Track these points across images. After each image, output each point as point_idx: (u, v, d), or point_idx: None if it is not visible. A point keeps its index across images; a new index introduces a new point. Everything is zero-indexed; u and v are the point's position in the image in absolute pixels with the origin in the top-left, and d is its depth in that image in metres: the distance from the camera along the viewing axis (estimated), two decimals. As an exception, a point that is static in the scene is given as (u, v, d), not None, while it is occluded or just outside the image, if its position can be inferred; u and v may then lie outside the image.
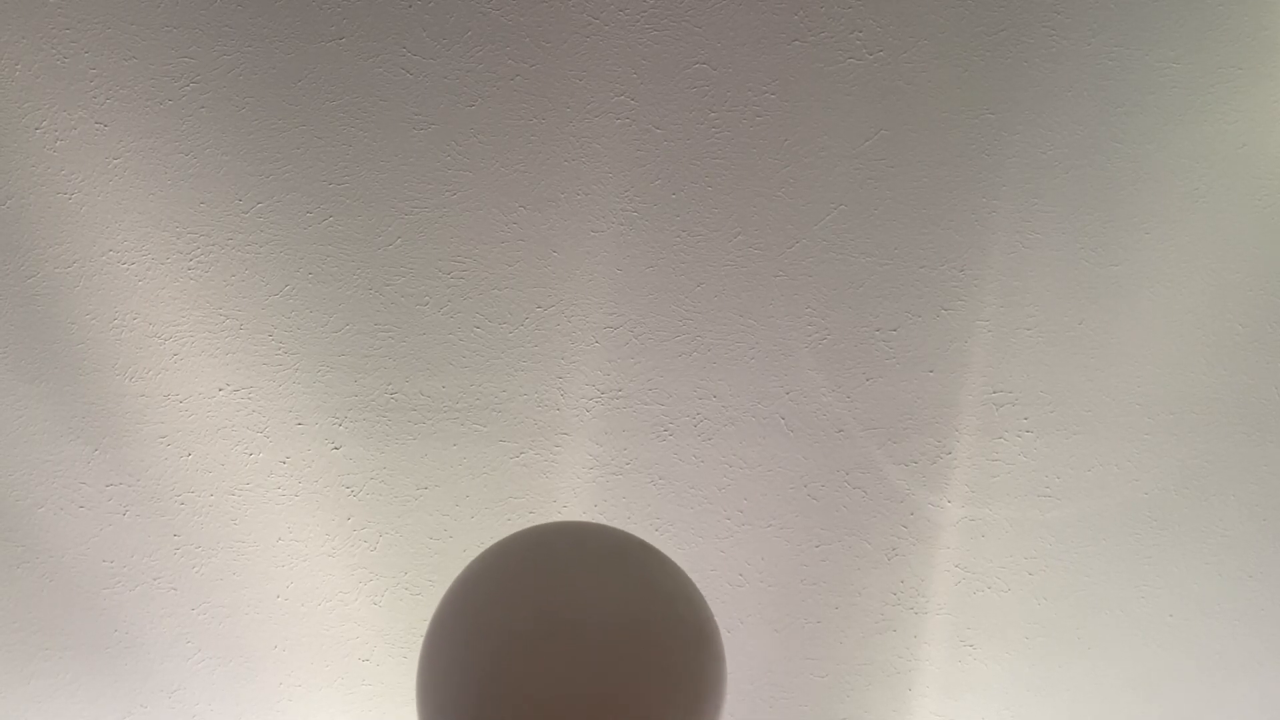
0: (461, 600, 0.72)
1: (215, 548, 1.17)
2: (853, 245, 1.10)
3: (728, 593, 1.22)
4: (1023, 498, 1.20)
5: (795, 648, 1.26)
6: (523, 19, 1.00)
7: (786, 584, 1.23)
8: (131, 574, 1.18)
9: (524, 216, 1.07)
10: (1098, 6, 1.03)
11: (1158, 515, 1.23)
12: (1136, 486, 1.21)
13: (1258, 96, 1.07)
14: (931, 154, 1.07)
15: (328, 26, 1.00)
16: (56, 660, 1.21)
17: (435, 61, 1.01)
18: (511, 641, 0.67)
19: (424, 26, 1.00)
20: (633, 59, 1.02)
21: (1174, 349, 1.16)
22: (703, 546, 1.20)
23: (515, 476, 1.16)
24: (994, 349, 1.14)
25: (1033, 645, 1.28)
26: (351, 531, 1.17)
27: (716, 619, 0.74)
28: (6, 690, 1.22)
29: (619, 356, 1.12)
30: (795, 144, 1.06)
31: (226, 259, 1.07)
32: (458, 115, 1.03)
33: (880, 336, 1.13)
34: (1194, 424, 1.19)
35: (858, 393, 1.15)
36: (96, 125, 1.02)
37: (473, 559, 0.75)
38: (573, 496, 1.17)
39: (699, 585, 0.74)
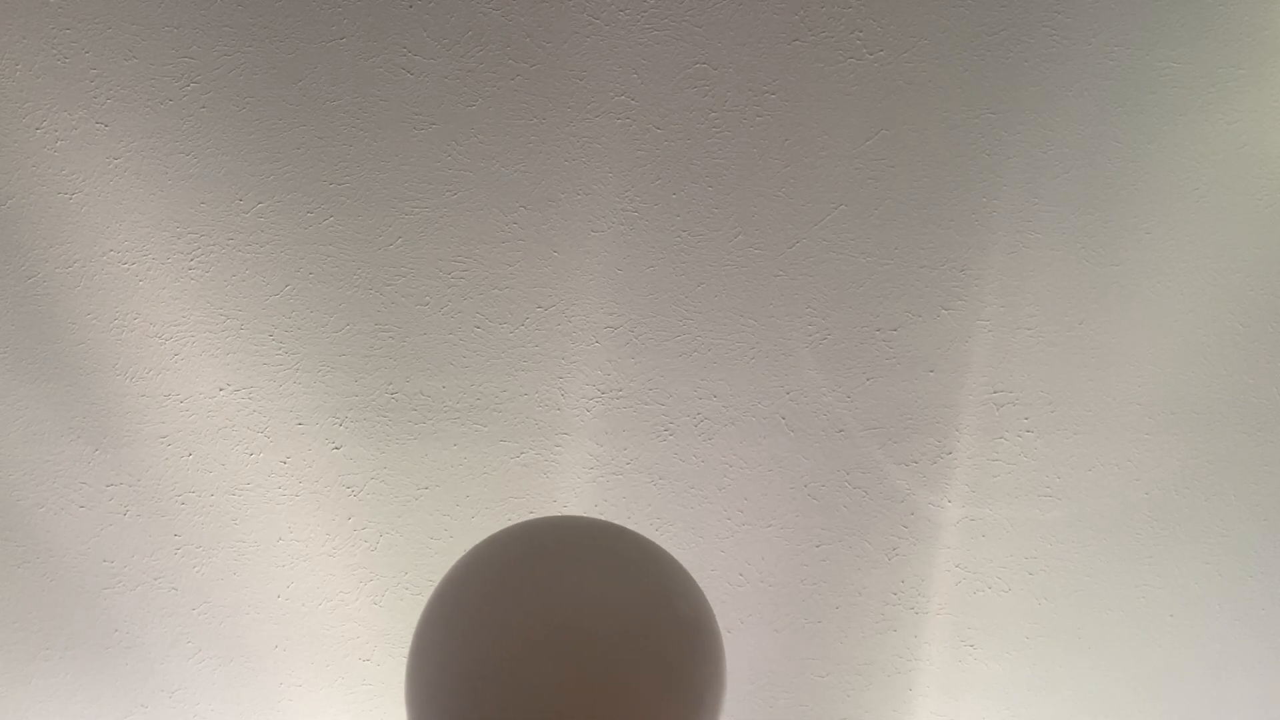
0: (450, 598, 0.70)
1: (216, 548, 1.17)
2: (853, 245, 1.10)
3: (728, 593, 1.22)
4: (1023, 497, 1.20)
5: (795, 647, 1.26)
6: (523, 19, 1.00)
7: (787, 584, 1.23)
8: (132, 574, 1.18)
9: (524, 216, 1.07)
10: (1098, 6, 1.03)
11: (1158, 515, 1.23)
12: (1137, 486, 1.21)
13: (1258, 96, 1.07)
14: (932, 154, 1.07)
15: (328, 26, 1.00)
16: (57, 660, 1.21)
17: (436, 61, 1.01)
18: (502, 641, 0.65)
19: (424, 26, 1.00)
20: (633, 59, 1.02)
21: (1174, 349, 1.16)
22: (703, 546, 1.20)
23: (516, 476, 1.16)
24: (994, 349, 1.14)
25: (1033, 645, 1.28)
26: (352, 531, 1.17)
27: (716, 618, 0.72)
28: (7, 690, 1.22)
29: (619, 356, 1.12)
30: (795, 144, 1.06)
31: (227, 259, 1.07)
32: (458, 115, 1.03)
33: (881, 336, 1.13)
34: (1194, 423, 1.19)
35: (858, 392, 1.15)
36: (97, 125, 1.02)
37: (461, 555, 0.74)
38: (573, 496, 1.17)
39: (699, 585, 0.73)
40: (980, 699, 1.30)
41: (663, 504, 1.18)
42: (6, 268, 1.06)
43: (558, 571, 0.68)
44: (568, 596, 0.66)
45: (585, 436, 1.15)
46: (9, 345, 1.08)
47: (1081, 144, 1.08)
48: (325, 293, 1.08)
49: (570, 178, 1.06)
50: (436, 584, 0.73)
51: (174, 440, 1.13)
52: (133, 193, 1.04)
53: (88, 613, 1.19)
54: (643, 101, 1.04)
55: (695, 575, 0.73)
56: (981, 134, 1.06)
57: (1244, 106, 1.07)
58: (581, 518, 0.77)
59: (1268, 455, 1.21)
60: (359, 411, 1.12)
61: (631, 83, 1.03)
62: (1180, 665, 1.30)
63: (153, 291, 1.07)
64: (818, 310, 1.12)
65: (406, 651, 0.72)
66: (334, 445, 1.14)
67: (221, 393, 1.11)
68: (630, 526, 1.14)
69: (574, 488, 1.17)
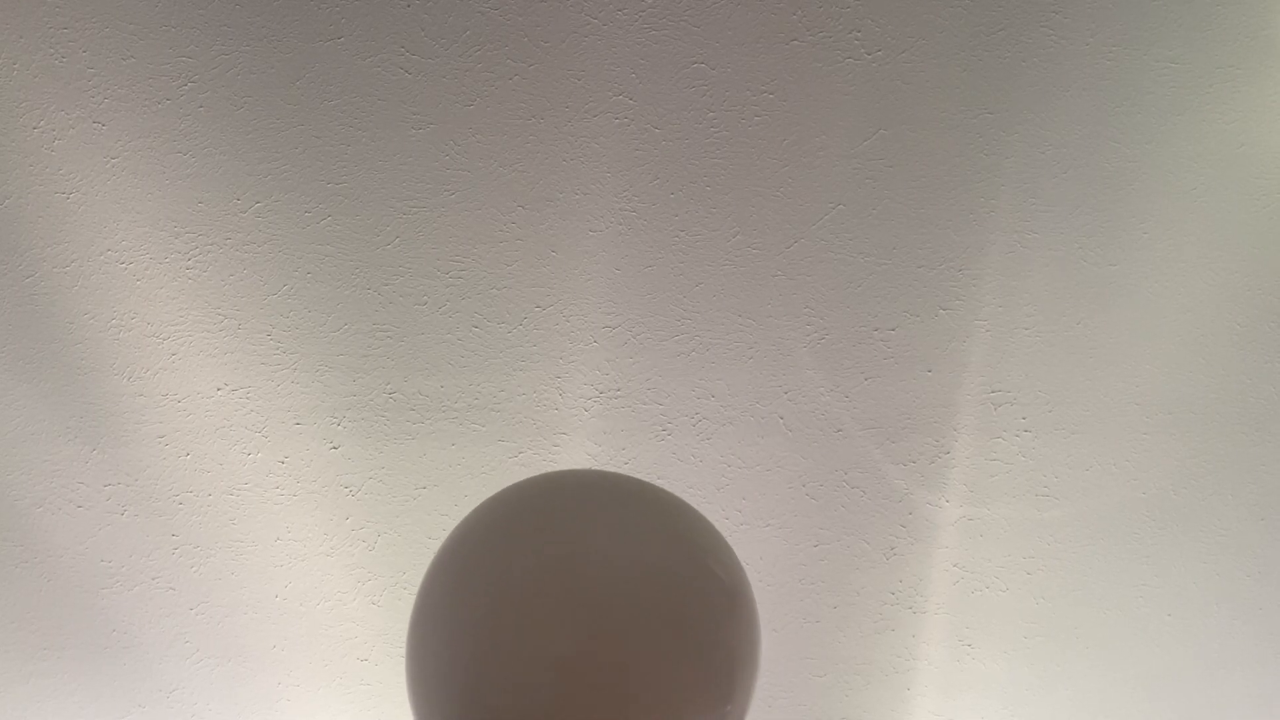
0: (458, 550, 0.61)
1: (213, 547, 1.17)
2: (851, 245, 1.10)
3: (726, 592, 1.21)
4: (1021, 497, 1.20)
5: (794, 647, 1.26)
6: (521, 19, 1.00)
7: (785, 583, 1.23)
8: (129, 574, 1.18)
9: (522, 216, 1.07)
10: (1096, 6, 1.03)
11: (1156, 515, 1.23)
12: (1135, 486, 1.21)
13: (1256, 96, 1.07)
14: (930, 153, 1.07)
15: (326, 26, 1.00)
16: (54, 660, 1.21)
17: (434, 61, 1.01)
18: (513, 593, 0.56)
19: (422, 26, 1.00)
20: (631, 59, 1.02)
21: (1172, 348, 1.16)
22: (701, 546, 1.19)
23: (514, 476, 1.16)
24: (992, 348, 1.14)
25: (1031, 644, 1.28)
26: (350, 531, 1.17)
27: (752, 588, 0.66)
28: (4, 690, 1.22)
29: (617, 356, 1.12)
30: (794, 143, 1.06)
31: (225, 259, 1.07)
32: (456, 115, 1.03)
33: (879, 336, 1.13)
34: (1192, 423, 1.19)
35: (856, 392, 1.15)
36: (94, 124, 1.02)
37: (449, 498, 0.67)
38: (571, 496, 1.17)
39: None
40: (978, 698, 1.30)
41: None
42: (3, 267, 1.06)
43: (580, 523, 0.59)
44: (590, 549, 0.58)
45: (583, 436, 1.15)
46: (6, 345, 1.08)
47: (1080, 144, 1.08)
48: (323, 292, 1.08)
49: (568, 177, 1.06)
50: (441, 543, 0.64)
51: (171, 440, 1.13)
52: (130, 192, 1.04)
53: (85, 612, 1.19)
54: (641, 101, 1.03)
55: (693, 575, 0.69)
56: (980, 133, 1.06)
57: (1242, 106, 1.07)
58: (606, 471, 0.68)
59: (1266, 455, 1.21)
60: (357, 411, 1.12)
61: (630, 82, 1.03)
62: (1179, 665, 1.30)
63: (150, 291, 1.07)
64: (816, 310, 1.12)
65: (405, 651, 0.64)
66: (332, 445, 1.14)
67: (219, 392, 1.11)
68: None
69: (572, 487, 1.16)
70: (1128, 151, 1.08)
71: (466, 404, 1.13)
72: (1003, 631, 1.27)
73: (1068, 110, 1.06)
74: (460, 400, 1.12)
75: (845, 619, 1.25)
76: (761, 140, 1.05)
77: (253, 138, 1.03)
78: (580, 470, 0.68)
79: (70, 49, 0.99)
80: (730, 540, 1.18)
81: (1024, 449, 1.18)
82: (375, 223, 1.06)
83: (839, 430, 1.16)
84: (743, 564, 0.66)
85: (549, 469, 1.15)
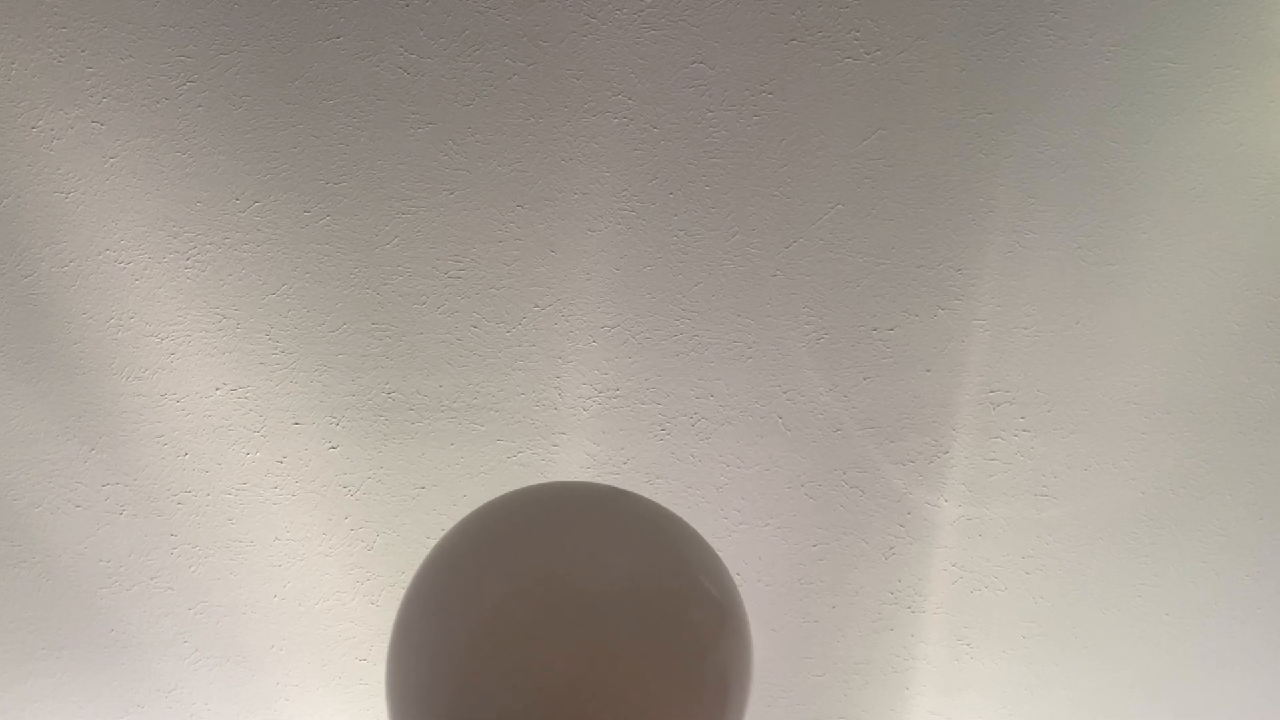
0: (441, 566, 0.60)
1: (212, 547, 1.17)
2: (850, 244, 1.10)
3: (725, 592, 1.21)
4: (1020, 497, 1.20)
5: (793, 647, 1.26)
6: (520, 18, 1.00)
7: (784, 583, 1.23)
8: (128, 573, 1.18)
9: (521, 216, 1.07)
10: (1095, 6, 1.03)
11: (1154, 514, 1.23)
12: (1133, 486, 1.21)
13: (1254, 96, 1.07)
14: (929, 153, 1.07)
15: (325, 25, 1.00)
16: (53, 660, 1.21)
17: (432, 60, 1.01)
18: (496, 613, 0.54)
19: (421, 25, 1.00)
20: (630, 58, 1.02)
21: (1171, 348, 1.16)
22: (700, 546, 1.19)
23: (513, 476, 1.16)
24: (991, 348, 1.14)
25: (1030, 644, 1.28)
26: (349, 531, 1.17)
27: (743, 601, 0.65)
28: (3, 690, 1.22)
29: (616, 356, 1.12)
30: (792, 143, 1.06)
31: (223, 258, 1.07)
32: (455, 114, 1.03)
33: (877, 336, 1.13)
34: (1191, 423, 1.19)
35: (855, 392, 1.15)
36: (93, 124, 1.02)
37: (448, 498, 0.65)
38: (570, 496, 1.17)
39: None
40: (977, 698, 1.30)
41: (659, 503, 1.18)
42: (3, 267, 1.06)
43: (567, 539, 0.58)
44: (577, 566, 0.56)
45: (582, 436, 1.15)
46: (5, 345, 1.08)
47: (1078, 143, 1.08)
48: (322, 292, 1.08)
49: (567, 177, 1.06)
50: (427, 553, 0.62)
51: (170, 440, 1.13)
52: (129, 192, 1.04)
53: (84, 612, 1.19)
54: (640, 101, 1.03)
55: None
56: (978, 133, 1.06)
57: (1240, 106, 1.07)
58: (594, 483, 0.67)
59: (1264, 454, 1.21)
60: (356, 411, 1.12)
61: (629, 82, 1.03)
62: (1177, 664, 1.30)
63: (149, 291, 1.07)
64: (814, 310, 1.12)
65: (385, 672, 0.62)
66: (331, 445, 1.14)
67: (218, 392, 1.11)
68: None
69: (571, 487, 1.16)
70: (1126, 151, 1.08)
71: (465, 404, 1.13)
72: (1001, 631, 1.27)
73: (1066, 110, 1.06)
74: (459, 400, 1.12)
75: (844, 619, 1.25)
76: (760, 140, 1.05)
77: (251, 137, 1.03)
78: (565, 483, 0.65)
79: (69, 48, 0.99)
80: (729, 540, 1.18)
81: (1023, 449, 1.18)
82: (374, 222, 1.06)
83: (838, 430, 1.16)
84: (742, 564, 0.65)
85: (548, 469, 1.16)
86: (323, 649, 1.22)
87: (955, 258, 1.11)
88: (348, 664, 1.23)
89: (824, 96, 1.04)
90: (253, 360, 1.10)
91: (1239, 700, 1.33)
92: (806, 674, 1.27)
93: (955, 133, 1.06)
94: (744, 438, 1.16)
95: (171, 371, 1.10)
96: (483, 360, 1.11)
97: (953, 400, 1.15)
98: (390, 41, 1.00)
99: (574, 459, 1.15)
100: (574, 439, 1.15)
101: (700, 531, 1.10)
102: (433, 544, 1.17)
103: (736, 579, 1.21)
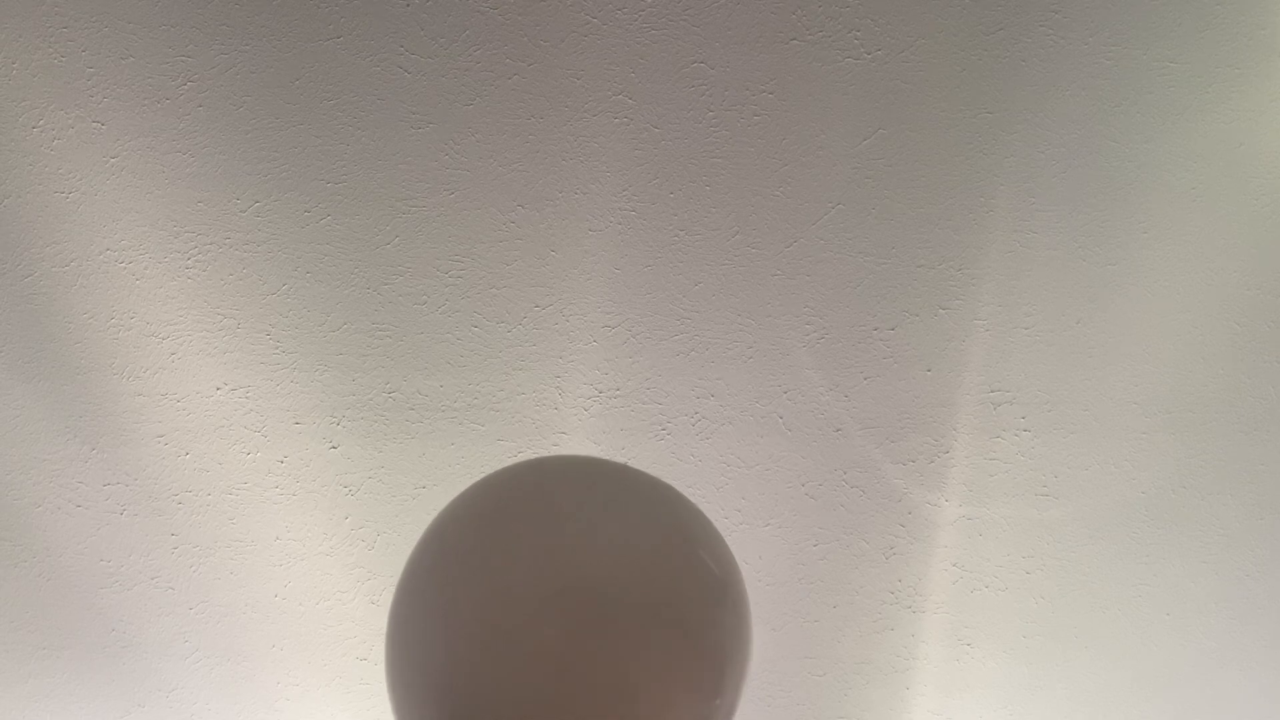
0: (435, 551, 0.59)
1: (213, 547, 1.17)
2: (850, 244, 1.10)
3: (725, 592, 1.21)
4: (1020, 497, 1.20)
5: (793, 646, 1.26)
6: (520, 18, 1.00)
7: (784, 583, 1.23)
8: (129, 573, 1.18)
9: (522, 215, 1.07)
10: (1095, 6, 1.03)
11: (1155, 514, 1.23)
12: (1134, 485, 1.21)
13: (1255, 95, 1.07)
14: (929, 153, 1.07)
15: (325, 25, 1.00)
16: (53, 660, 1.21)
17: (433, 60, 1.01)
18: (494, 586, 0.54)
19: (421, 25, 1.00)
20: (630, 58, 1.02)
21: (1171, 348, 1.16)
22: (700, 545, 1.19)
23: (513, 476, 1.16)
24: (991, 348, 1.14)
25: (1030, 644, 1.28)
26: (349, 531, 1.17)
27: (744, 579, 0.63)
28: (3, 690, 1.22)
29: (617, 355, 1.12)
30: (793, 143, 1.06)
31: (224, 258, 1.07)
32: (455, 114, 1.03)
33: (878, 335, 1.13)
34: (1191, 423, 1.19)
35: (855, 392, 1.15)
36: (94, 124, 1.02)
37: (450, 500, 0.61)
38: (571, 495, 1.16)
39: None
40: (977, 698, 1.30)
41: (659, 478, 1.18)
42: (3, 266, 1.06)
43: (563, 517, 0.57)
44: (574, 546, 0.55)
45: (583, 436, 1.15)
46: (6, 344, 1.08)
47: (1078, 143, 1.08)
48: (322, 292, 1.08)
49: (568, 177, 1.06)
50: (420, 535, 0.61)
51: (171, 439, 1.13)
52: (129, 191, 1.04)
53: (84, 612, 1.19)
54: (640, 101, 1.03)
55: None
56: (979, 133, 1.06)
57: (1241, 106, 1.07)
58: (590, 457, 0.66)
59: (1264, 454, 1.21)
60: (356, 411, 1.12)
61: (629, 82, 1.03)
62: (1177, 664, 1.30)
63: (150, 290, 1.07)
64: (815, 309, 1.12)
65: (384, 649, 0.62)
66: (331, 444, 1.14)
67: (218, 392, 1.11)
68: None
69: (571, 487, 1.16)
70: (1126, 151, 1.08)
71: (466, 403, 1.13)
72: (1001, 631, 1.27)
73: (1067, 110, 1.06)
74: (460, 400, 1.12)
75: (845, 618, 1.25)
76: (761, 140, 1.05)
77: (252, 137, 1.03)
78: (564, 456, 0.65)
79: (70, 48, 0.99)
80: (729, 540, 1.18)
81: (1023, 448, 1.18)
82: (374, 222, 1.06)
83: (838, 430, 1.16)
84: (742, 563, 0.65)
85: (548, 468, 1.15)
86: (323, 649, 1.22)
87: (956, 257, 1.11)
88: (348, 664, 1.23)
89: (824, 96, 1.04)
90: (253, 360, 1.10)
91: (1239, 700, 1.33)
92: (807, 673, 1.27)
93: (956, 132, 1.06)
94: (744, 438, 1.16)
95: (172, 371, 1.10)
96: (483, 360, 1.11)
97: (953, 400, 1.16)
98: (390, 41, 1.00)
99: (574, 459, 1.15)
100: (575, 439, 1.15)
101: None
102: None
103: (737, 579, 1.21)
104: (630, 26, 1.01)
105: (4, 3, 0.98)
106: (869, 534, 1.21)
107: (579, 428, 1.14)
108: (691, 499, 1.18)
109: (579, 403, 1.13)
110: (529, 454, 1.15)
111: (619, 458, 1.16)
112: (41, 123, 1.01)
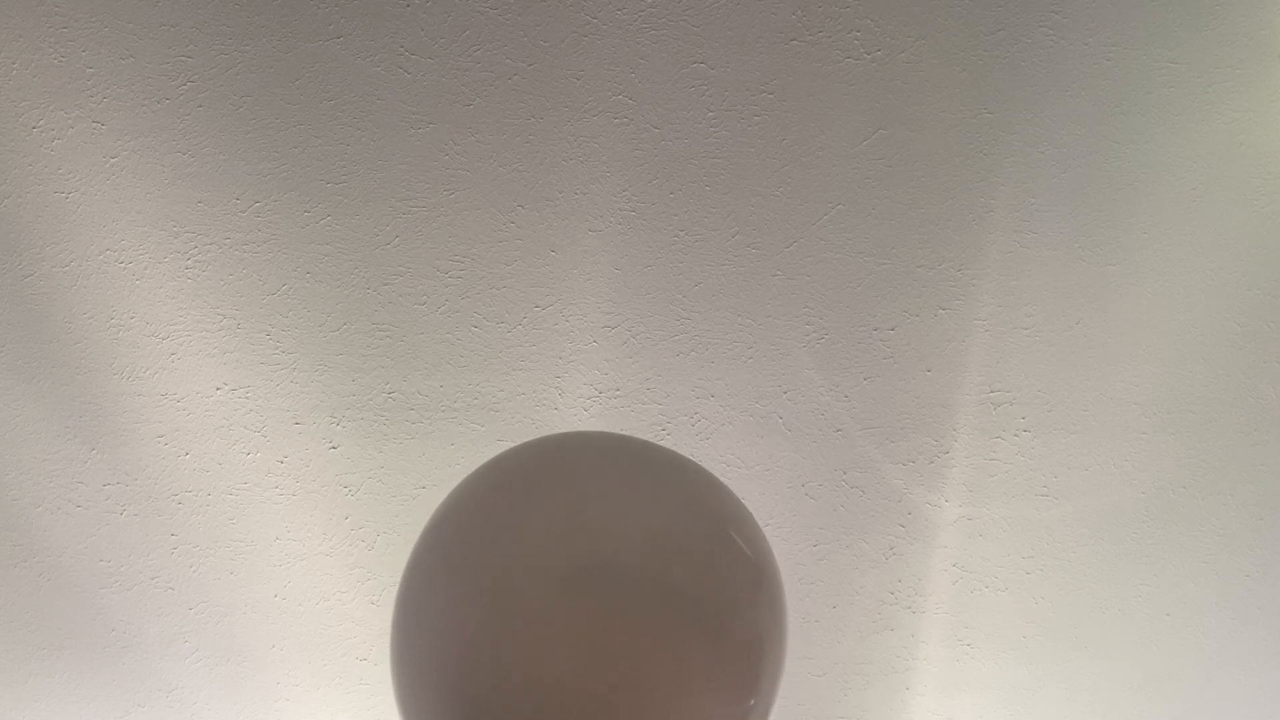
0: (448, 530, 0.53)
1: (213, 547, 1.17)
2: (850, 244, 1.10)
3: (725, 592, 1.21)
4: (1020, 497, 1.20)
5: (793, 647, 1.26)
6: (521, 18, 1.00)
7: (784, 583, 1.23)
8: (129, 573, 1.18)
9: (522, 216, 1.07)
10: (1095, 6, 1.03)
11: (1155, 514, 1.23)
12: (1134, 486, 1.21)
13: (1255, 96, 1.07)
14: (929, 153, 1.07)
15: (325, 25, 1.00)
16: (53, 660, 1.21)
17: (433, 60, 1.01)
18: (509, 571, 0.49)
19: (422, 26, 1.00)
20: (631, 58, 1.02)
21: (1171, 348, 1.16)
22: (700, 546, 1.19)
23: (513, 476, 1.16)
24: (991, 348, 1.14)
25: (1030, 644, 1.28)
26: (349, 531, 1.17)
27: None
28: (3, 690, 1.22)
29: (617, 356, 1.12)
30: (793, 143, 1.06)
31: (224, 258, 1.07)
32: (455, 114, 1.03)
33: (878, 336, 1.13)
34: (1191, 423, 1.19)
35: (855, 392, 1.15)
36: (93, 124, 1.02)
37: (464, 478, 0.55)
38: (570, 496, 1.16)
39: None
40: (977, 698, 1.30)
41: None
42: (3, 267, 1.06)
43: (583, 496, 0.51)
44: (595, 522, 0.50)
45: (583, 436, 1.15)
46: (5, 344, 1.08)
47: (1078, 143, 1.08)
48: (322, 292, 1.08)
49: (568, 177, 1.06)
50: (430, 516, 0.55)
51: (171, 439, 1.13)
52: (129, 192, 1.04)
53: (84, 612, 1.19)
54: (640, 101, 1.03)
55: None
56: (979, 133, 1.06)
57: (1241, 106, 1.07)
58: (612, 433, 0.61)
59: (1264, 455, 1.21)
60: (356, 411, 1.12)
61: (629, 82, 1.03)
62: (1177, 664, 1.30)
63: (149, 291, 1.07)
64: (815, 310, 1.12)
65: (390, 642, 0.58)
66: (331, 445, 1.14)
67: (218, 392, 1.11)
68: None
69: (571, 487, 1.16)
70: (1126, 151, 1.08)
71: (466, 404, 1.13)
72: (1001, 631, 1.27)
73: (1067, 110, 1.06)
74: (460, 400, 1.12)
75: (845, 619, 1.25)
76: (761, 140, 1.05)
77: (252, 137, 1.03)
78: (582, 433, 0.58)
79: (69, 48, 0.99)
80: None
81: (1023, 449, 1.18)
82: (375, 222, 1.06)
83: (838, 430, 1.16)
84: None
85: (548, 469, 1.15)
86: (323, 649, 1.22)
87: (956, 258, 1.11)
88: (348, 664, 1.23)
89: (824, 96, 1.04)
90: (253, 360, 1.10)
91: (1239, 700, 1.33)
92: (806, 674, 1.27)
93: (956, 133, 1.06)
94: (744, 438, 1.16)
95: (172, 371, 1.10)
96: (483, 360, 1.11)
97: (953, 400, 1.15)
98: (391, 42, 1.00)
99: (574, 459, 1.15)
100: (574, 439, 1.14)
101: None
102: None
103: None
104: (630, 27, 1.01)
105: (3, 3, 0.98)
106: (869, 534, 1.21)
107: (579, 428, 1.14)
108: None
109: (579, 403, 1.13)
110: (529, 454, 1.15)
111: (619, 458, 1.15)
112: (41, 123, 1.01)
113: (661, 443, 1.15)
